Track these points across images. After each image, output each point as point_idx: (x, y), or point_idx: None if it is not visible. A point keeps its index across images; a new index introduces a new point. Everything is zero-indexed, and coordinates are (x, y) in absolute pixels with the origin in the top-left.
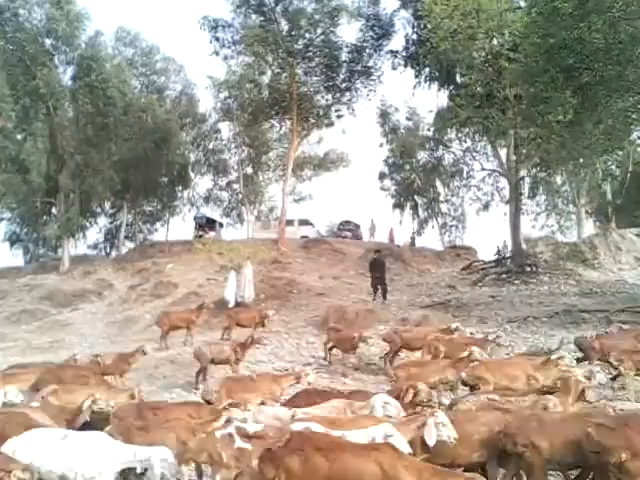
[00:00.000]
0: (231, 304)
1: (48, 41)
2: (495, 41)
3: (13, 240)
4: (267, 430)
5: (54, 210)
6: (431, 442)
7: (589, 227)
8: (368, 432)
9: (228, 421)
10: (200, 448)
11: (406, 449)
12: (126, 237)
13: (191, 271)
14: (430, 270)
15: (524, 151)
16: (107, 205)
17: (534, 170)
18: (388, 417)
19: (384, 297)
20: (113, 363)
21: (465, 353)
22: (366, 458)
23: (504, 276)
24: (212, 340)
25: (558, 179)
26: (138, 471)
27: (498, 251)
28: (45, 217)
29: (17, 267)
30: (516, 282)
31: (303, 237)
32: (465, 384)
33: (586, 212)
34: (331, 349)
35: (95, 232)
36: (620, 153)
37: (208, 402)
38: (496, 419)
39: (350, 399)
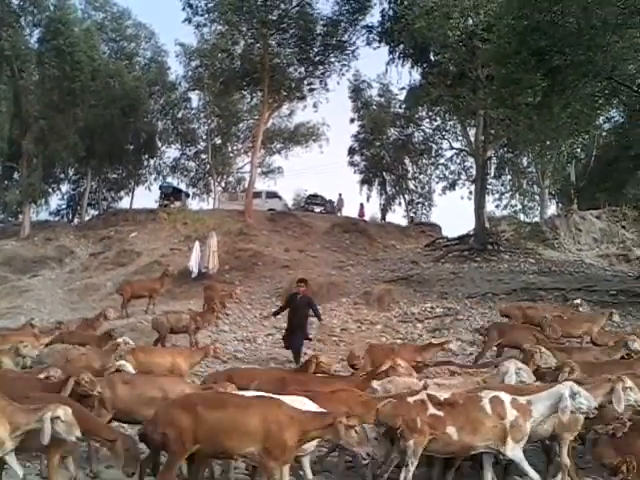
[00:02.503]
0: (194, 274)
1: (15, 1)
2: (470, 21)
3: None
4: (458, 397)
5: (16, 175)
6: (620, 408)
7: (552, 208)
8: (553, 393)
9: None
10: (394, 413)
11: (592, 405)
12: (89, 204)
13: (155, 240)
14: (395, 246)
15: (493, 131)
16: (71, 171)
17: (501, 151)
18: (522, 383)
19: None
20: (79, 329)
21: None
22: None
23: (466, 253)
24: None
25: (524, 160)
26: None
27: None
28: (6, 182)
29: None
30: (477, 259)
31: (270, 210)
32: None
33: (549, 193)
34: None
35: (57, 198)
36: (586, 137)
37: (353, 367)
38: None
39: None
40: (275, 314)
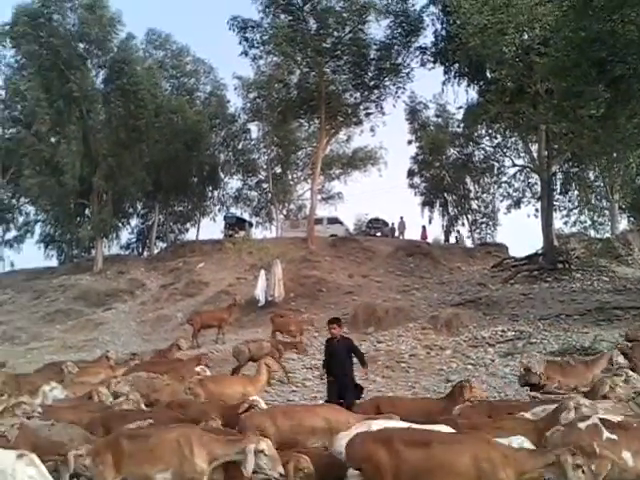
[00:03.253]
0: (261, 303)
1: (81, 45)
2: (525, 36)
3: (48, 241)
4: (632, 421)
5: (87, 211)
6: None
7: (623, 223)
8: None
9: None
10: (565, 440)
11: None
12: (158, 237)
13: (221, 270)
14: (460, 268)
15: (556, 146)
16: (139, 206)
17: (566, 165)
18: None
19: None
20: (153, 360)
21: None
22: None
23: (536, 273)
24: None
25: (591, 174)
26: None
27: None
28: (79, 218)
29: (52, 267)
30: (548, 279)
31: (332, 236)
32: None
33: (620, 208)
34: None
35: (127, 232)
36: None
37: (532, 385)
38: None
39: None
40: (325, 368)
